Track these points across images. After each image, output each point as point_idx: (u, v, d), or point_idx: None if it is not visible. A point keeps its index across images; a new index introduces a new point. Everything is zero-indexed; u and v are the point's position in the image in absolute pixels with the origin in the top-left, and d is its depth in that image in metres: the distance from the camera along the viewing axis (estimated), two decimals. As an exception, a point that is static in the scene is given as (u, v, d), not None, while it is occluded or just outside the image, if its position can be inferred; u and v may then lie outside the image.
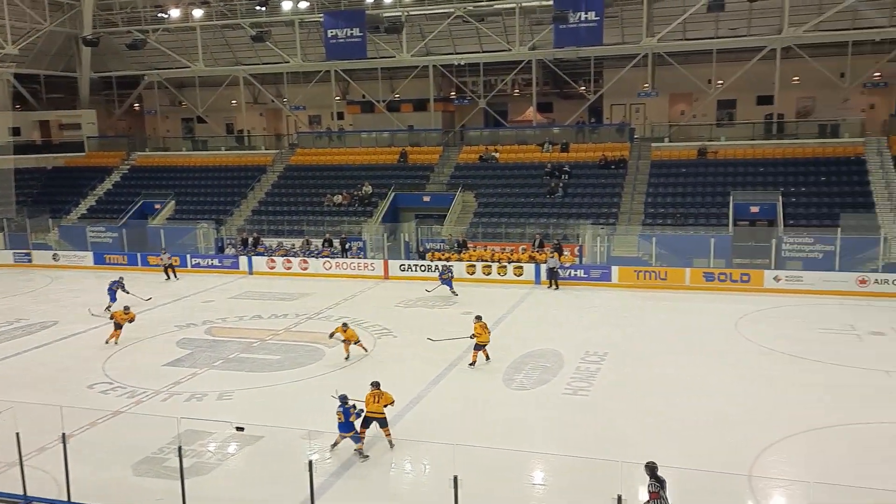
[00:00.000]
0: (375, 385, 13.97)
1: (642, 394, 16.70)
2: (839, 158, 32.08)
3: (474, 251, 30.49)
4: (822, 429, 14.43)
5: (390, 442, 13.85)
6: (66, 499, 10.98)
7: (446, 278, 26.99)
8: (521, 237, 31.26)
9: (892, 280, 25.08)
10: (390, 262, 30.95)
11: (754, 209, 30.27)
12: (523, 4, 37.16)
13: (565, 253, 29.36)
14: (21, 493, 10.97)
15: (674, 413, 15.37)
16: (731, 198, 30.47)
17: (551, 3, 35.78)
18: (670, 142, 36.07)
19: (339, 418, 13.40)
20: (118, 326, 21.46)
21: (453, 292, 26.68)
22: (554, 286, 28.01)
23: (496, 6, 38.28)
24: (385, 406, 13.85)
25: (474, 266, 29.62)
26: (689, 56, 38.65)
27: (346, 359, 19.43)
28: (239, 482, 13.10)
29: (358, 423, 13.53)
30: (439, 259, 30.36)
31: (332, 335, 19.64)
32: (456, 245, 31.10)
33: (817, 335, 20.97)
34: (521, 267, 29.05)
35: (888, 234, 27.15)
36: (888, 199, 29.13)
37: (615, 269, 28.14)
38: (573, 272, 28.54)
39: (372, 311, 25.05)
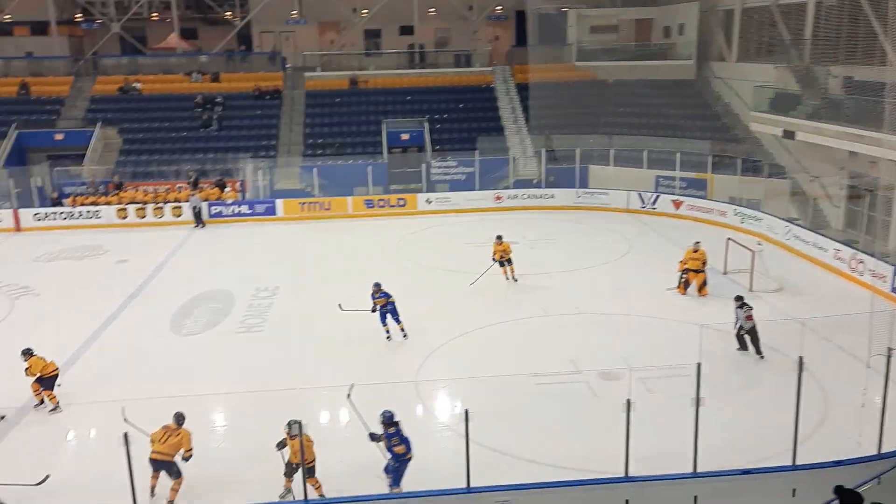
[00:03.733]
0: (178, 419, 10.53)
1: (314, 322, 17.15)
2: (473, 87, 35.36)
3: (126, 192, 28.00)
4: (472, 331, 16.26)
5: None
6: None
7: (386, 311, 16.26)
8: (177, 175, 29.39)
9: (521, 195, 28.80)
10: (21, 211, 27.05)
11: (405, 136, 32.20)
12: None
13: (227, 189, 28.42)
14: None
15: (344, 335, 16.05)
16: (384, 126, 32.00)
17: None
18: (322, 71, 36.41)
19: None
20: None
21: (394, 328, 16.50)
22: (201, 225, 27.00)
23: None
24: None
25: (126, 209, 27.23)
26: (334, -15, 38.95)
27: None
28: None
29: None
30: (83, 204, 27.31)
31: None
32: (106, 187, 28.20)
33: (465, 249, 23.30)
34: (180, 207, 27.43)
35: (515, 154, 30.93)
36: (514, 123, 33.05)
37: (280, 203, 28.03)
38: (237, 208, 27.79)
39: (7, 269, 21.83)
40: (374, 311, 15.66)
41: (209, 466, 10.93)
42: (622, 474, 9.51)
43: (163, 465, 10.13)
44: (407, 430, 10.23)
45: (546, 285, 19.42)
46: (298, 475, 9.64)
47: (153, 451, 10.07)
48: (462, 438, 9.20)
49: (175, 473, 10.14)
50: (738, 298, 14.63)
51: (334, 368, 14.35)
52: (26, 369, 12.89)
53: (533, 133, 31.79)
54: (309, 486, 9.66)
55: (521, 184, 29.63)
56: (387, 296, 15.71)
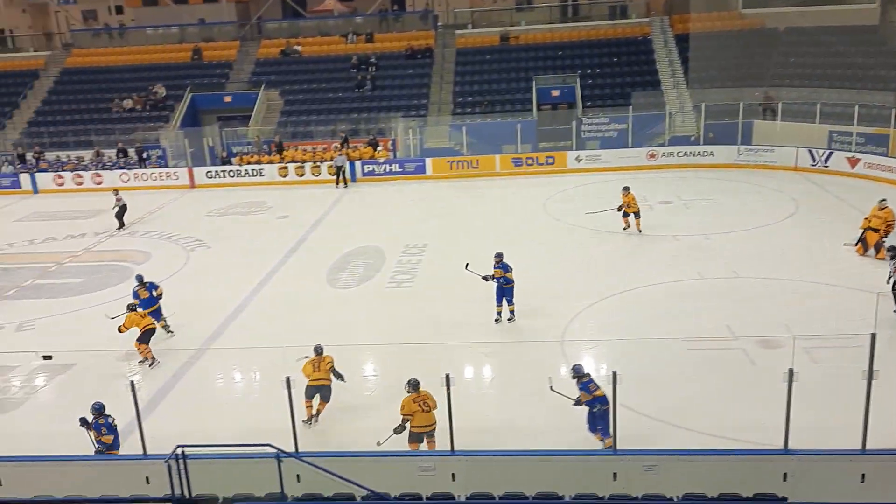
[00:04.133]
0: (317, 351, 11.38)
1: (462, 279, 17.33)
2: (628, 39, 33.94)
3: (287, 152, 29.50)
4: (623, 293, 15.84)
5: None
6: None
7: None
8: (332, 135, 30.55)
9: (677, 152, 27.50)
10: (195, 169, 29.21)
11: (555, 93, 31.55)
12: None
13: (379, 148, 29.21)
14: None
15: (490, 294, 16.12)
16: (534, 83, 31.50)
17: None
18: (473, 28, 36.27)
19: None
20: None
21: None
22: (344, 184, 27.72)
23: None
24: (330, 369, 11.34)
25: (287, 168, 28.71)
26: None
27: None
28: (51, 415, 12.25)
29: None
30: (249, 163, 29.07)
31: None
32: (269, 147, 29.84)
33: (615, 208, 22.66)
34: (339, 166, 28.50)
35: (672, 109, 29.50)
36: (671, 77, 31.46)
37: (429, 161, 28.48)
38: (388, 167, 28.54)
39: (181, 223, 23.74)
40: (486, 279, 14.47)
41: (354, 411, 11.46)
42: (781, 446, 8.98)
43: (319, 389, 11.15)
44: (547, 391, 10.16)
45: (701, 247, 18.54)
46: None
47: (311, 380, 11.04)
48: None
49: (326, 397, 11.19)
50: (892, 249, 13.29)
51: (480, 326, 14.50)
52: (119, 327, 13.32)
53: (692, 87, 30.13)
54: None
55: (678, 141, 28.28)
56: (506, 268, 14.41)
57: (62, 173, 29.48)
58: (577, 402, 10.20)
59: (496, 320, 14.59)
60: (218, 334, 14.82)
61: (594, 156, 28.01)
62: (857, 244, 17.00)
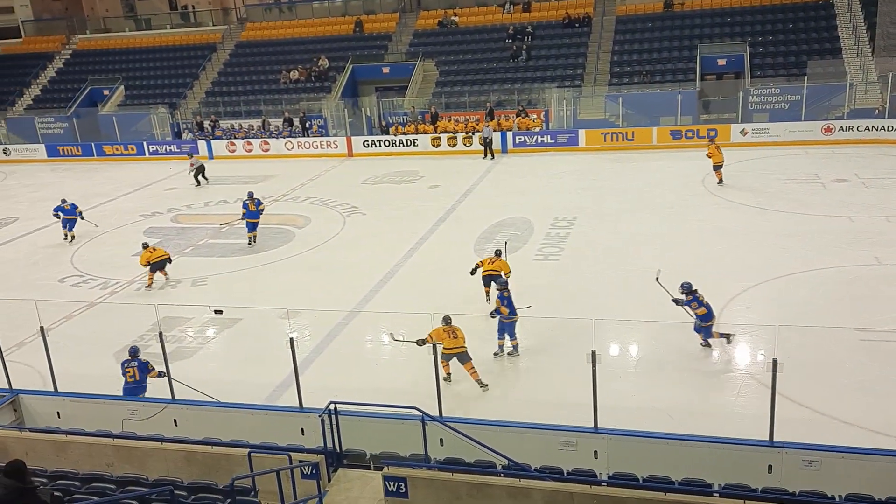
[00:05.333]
0: (446, 321, 11.42)
1: (612, 254, 16.94)
2: (807, 3, 31.34)
3: (441, 122, 29.92)
4: (787, 276, 14.83)
5: (479, 381, 11.50)
6: (52, 389, 11.03)
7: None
8: (481, 106, 30.60)
9: (857, 126, 25.19)
10: (353, 138, 30.29)
11: (721, 62, 29.82)
12: None
13: (532, 117, 28.93)
14: (6, 386, 10.97)
15: (643, 271, 15.61)
16: (699, 51, 29.90)
17: None
18: (635, -5, 34.85)
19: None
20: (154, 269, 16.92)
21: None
22: (490, 156, 27.58)
23: None
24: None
25: (439, 138, 29.12)
26: None
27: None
28: (222, 364, 13.26)
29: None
30: (404, 133, 29.76)
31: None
32: (422, 118, 30.40)
33: (783, 186, 21.20)
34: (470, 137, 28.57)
35: (854, 79, 27.02)
36: (855, 44, 28.78)
37: (582, 133, 27.87)
38: (540, 138, 28.23)
39: (339, 190, 24.76)
40: (677, 303, 12.16)
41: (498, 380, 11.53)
42: (965, 453, 8.11)
43: (457, 354, 11.41)
44: (704, 375, 9.74)
45: (881, 230, 16.96)
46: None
47: (446, 349, 11.24)
48: (767, 389, 8.51)
49: (466, 358, 11.42)
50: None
51: (630, 299, 14.12)
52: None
53: (878, 55, 27.39)
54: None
55: (859, 114, 25.88)
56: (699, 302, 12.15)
57: (234, 140, 31.58)
58: (677, 302, 12.05)
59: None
60: (369, 298, 15.37)
61: (761, 129, 26.24)
62: None
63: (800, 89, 26.38)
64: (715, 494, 7.33)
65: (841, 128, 25.36)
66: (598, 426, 9.02)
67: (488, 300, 14.26)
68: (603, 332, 12.88)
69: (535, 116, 29.01)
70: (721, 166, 21.49)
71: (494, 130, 28.01)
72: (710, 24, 31.60)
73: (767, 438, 8.57)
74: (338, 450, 8.73)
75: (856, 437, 9.26)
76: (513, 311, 12.31)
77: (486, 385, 11.48)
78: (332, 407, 8.67)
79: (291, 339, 9.93)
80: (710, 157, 21.54)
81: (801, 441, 8.56)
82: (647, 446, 8.81)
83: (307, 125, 31.38)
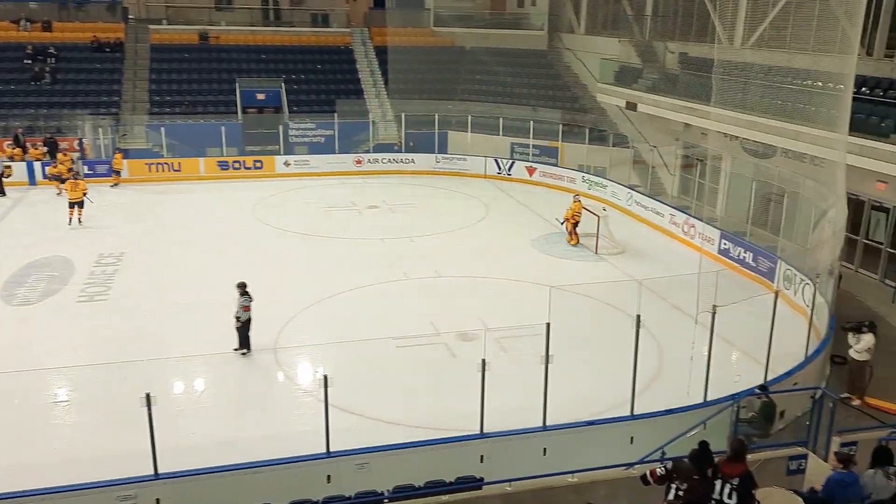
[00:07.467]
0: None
1: (164, 289, 16.44)
2: (331, 48, 34.59)
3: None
4: (334, 295, 16.20)
5: None
6: None
7: None
8: (4, 132, 26.90)
9: (381, 159, 28.77)
10: None
11: (260, 96, 31.11)
12: None
13: (63, 146, 26.32)
14: None
15: (198, 303, 15.52)
16: (238, 85, 30.76)
17: None
18: (169, 24, 34.29)
19: None
20: None
21: None
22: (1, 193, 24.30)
23: None
24: None
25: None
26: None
27: None
28: None
29: None
30: None
31: None
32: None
33: (325, 213, 23.06)
34: (10, 167, 25.14)
35: (375, 118, 30.74)
36: (374, 87, 32.75)
37: (123, 163, 26.35)
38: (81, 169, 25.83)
39: None
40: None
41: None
42: (478, 431, 9.92)
43: None
44: (268, 399, 10.10)
45: (406, 249, 19.63)
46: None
47: None
48: (322, 404, 9.23)
49: None
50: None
51: (191, 335, 13.90)
52: None
53: (392, 97, 31.67)
54: None
55: (382, 148, 29.57)
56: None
57: None
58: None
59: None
60: None
61: (303, 160, 28.19)
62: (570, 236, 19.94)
63: (332, 125, 29.06)
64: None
65: (369, 160, 28.67)
66: (159, 472, 8.74)
67: None
68: (163, 371, 12.46)
69: (64, 146, 26.39)
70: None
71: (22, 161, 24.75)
72: (247, 60, 32.73)
73: (325, 451, 9.31)
74: None
75: (400, 434, 10.54)
76: None
77: None
78: None
79: None
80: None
81: (353, 447, 9.51)
82: (211, 482, 8.84)
83: None
